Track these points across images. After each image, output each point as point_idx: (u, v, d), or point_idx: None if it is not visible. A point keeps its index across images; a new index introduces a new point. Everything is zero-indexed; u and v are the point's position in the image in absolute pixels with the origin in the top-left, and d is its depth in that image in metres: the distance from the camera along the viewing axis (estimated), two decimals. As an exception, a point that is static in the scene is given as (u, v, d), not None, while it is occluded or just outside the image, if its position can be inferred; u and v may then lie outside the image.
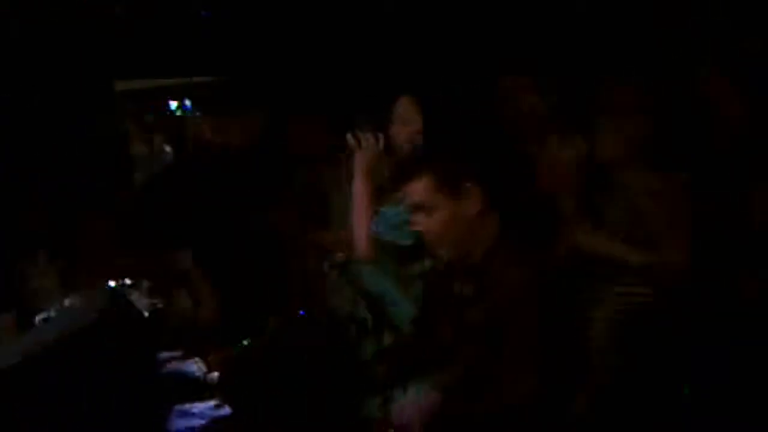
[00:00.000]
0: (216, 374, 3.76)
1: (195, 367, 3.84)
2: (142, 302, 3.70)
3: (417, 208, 2.95)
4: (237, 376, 3.46)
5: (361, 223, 3.70)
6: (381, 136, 3.78)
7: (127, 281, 3.79)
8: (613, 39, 4.99)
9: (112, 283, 3.79)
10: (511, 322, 2.78)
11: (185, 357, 3.87)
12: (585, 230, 4.02)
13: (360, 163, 3.77)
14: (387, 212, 3.66)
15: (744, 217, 3.96)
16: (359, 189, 3.75)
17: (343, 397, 3.41)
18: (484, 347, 2.83)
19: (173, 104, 6.20)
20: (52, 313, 3.54)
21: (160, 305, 3.78)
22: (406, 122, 3.75)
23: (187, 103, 6.11)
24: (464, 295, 2.97)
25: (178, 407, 3.43)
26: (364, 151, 3.77)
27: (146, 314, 3.72)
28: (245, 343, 3.36)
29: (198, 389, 3.64)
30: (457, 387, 2.93)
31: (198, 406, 3.46)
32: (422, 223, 2.95)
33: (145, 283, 3.81)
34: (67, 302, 3.56)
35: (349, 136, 3.82)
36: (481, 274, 2.91)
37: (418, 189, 2.93)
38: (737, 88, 4.22)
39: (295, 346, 3.55)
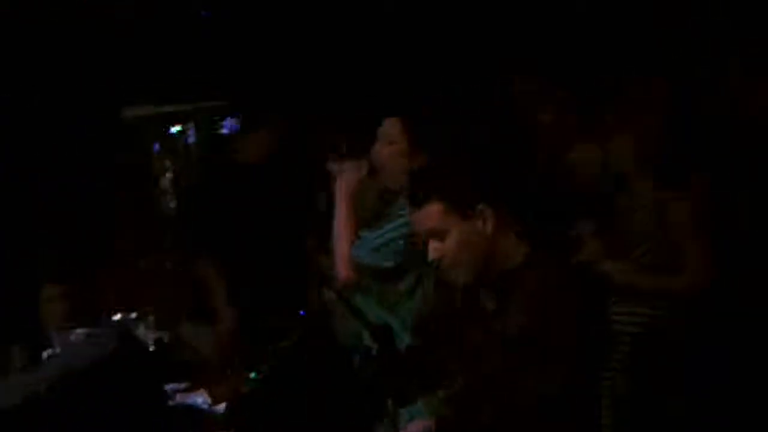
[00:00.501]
0: (222, 406, 3.78)
1: (201, 399, 3.86)
2: (148, 335, 3.71)
3: (431, 234, 2.92)
4: (246, 408, 3.46)
5: (343, 248, 3.74)
6: (364, 161, 3.79)
7: (133, 315, 3.80)
8: (630, 40, 5.00)
9: (117, 317, 3.81)
10: (540, 335, 2.75)
11: (191, 389, 3.89)
12: (598, 254, 4.02)
13: (342, 188, 3.80)
14: (368, 236, 3.70)
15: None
16: (341, 214, 3.79)
17: (352, 424, 3.42)
18: (509, 358, 2.81)
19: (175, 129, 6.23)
20: (58, 349, 3.55)
21: (165, 338, 3.79)
22: (391, 142, 3.72)
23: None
24: (488, 309, 2.95)
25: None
26: (346, 176, 3.80)
27: (152, 347, 3.73)
28: (253, 376, 3.35)
29: (204, 422, 3.65)
30: (466, 402, 2.92)
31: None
32: (438, 248, 2.91)
33: (151, 317, 3.82)
34: (73, 337, 3.55)
35: (330, 162, 3.85)
36: (505, 290, 2.89)
37: (430, 215, 2.90)
38: (764, 86, 4.21)
39: (303, 377, 3.55)
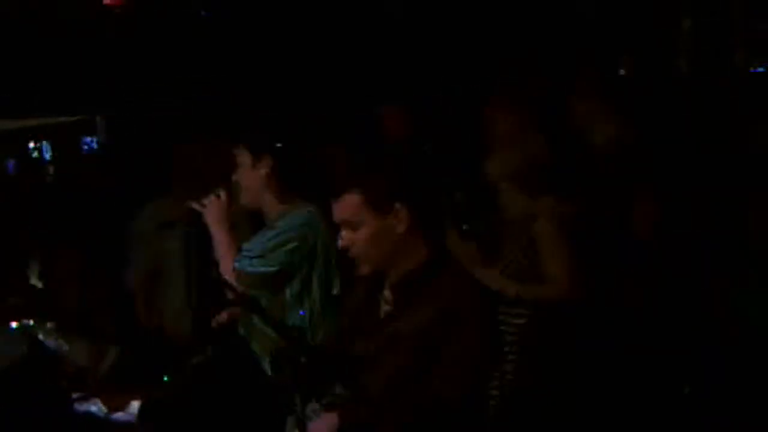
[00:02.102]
0: (120, 414, 3.73)
1: (95, 407, 3.79)
2: (50, 343, 3.64)
3: (344, 223, 3.02)
4: (158, 414, 3.43)
5: (228, 264, 3.89)
6: (222, 191, 3.98)
7: (31, 321, 3.71)
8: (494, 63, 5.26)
9: (14, 324, 3.71)
10: (436, 336, 2.87)
11: (85, 398, 3.82)
12: (473, 258, 4.20)
13: (210, 219, 3.96)
14: (248, 246, 3.86)
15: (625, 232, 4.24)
16: (219, 239, 3.95)
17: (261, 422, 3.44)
18: (405, 358, 2.91)
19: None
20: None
21: (65, 347, 3.72)
22: (240, 164, 3.95)
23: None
24: (386, 311, 3.05)
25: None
26: (210, 210, 3.97)
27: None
28: (166, 380, 3.34)
29: (107, 429, 3.60)
30: (366, 399, 2.99)
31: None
32: (348, 238, 3.01)
33: (49, 324, 3.74)
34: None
35: (192, 204, 4.01)
36: (407, 290, 3.00)
37: (347, 205, 3.00)
38: (610, 109, 4.52)
39: (216, 381, 3.56)
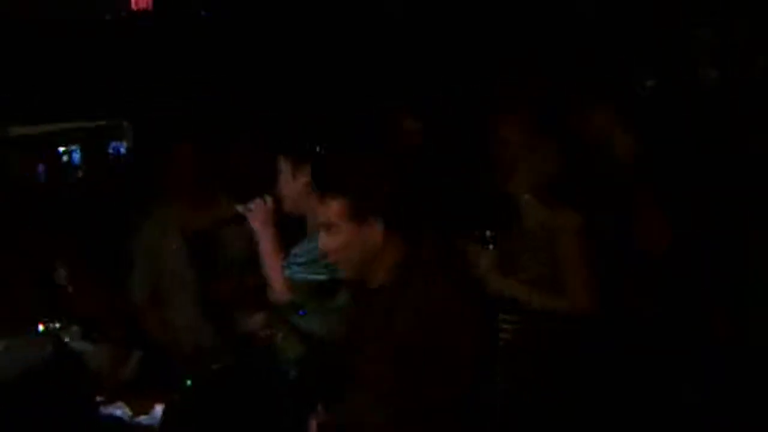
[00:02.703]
0: (144, 418, 3.79)
1: (120, 411, 3.86)
2: (75, 346, 3.71)
3: (325, 226, 3.07)
4: (180, 419, 3.49)
5: (274, 271, 3.88)
6: (269, 197, 3.99)
7: (57, 324, 3.78)
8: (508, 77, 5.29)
9: (41, 327, 3.78)
10: (427, 345, 2.89)
11: (110, 402, 3.88)
12: (491, 267, 4.23)
13: (257, 225, 3.98)
14: (298, 252, 3.84)
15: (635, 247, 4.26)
16: (263, 240, 3.96)
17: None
18: (397, 367, 2.91)
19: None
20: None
21: (90, 350, 3.78)
22: (280, 172, 3.96)
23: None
24: (378, 320, 3.05)
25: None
26: (255, 214, 3.99)
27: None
28: (188, 384, 3.40)
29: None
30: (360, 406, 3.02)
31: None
32: (324, 241, 3.08)
33: (75, 327, 3.81)
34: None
35: (239, 207, 4.04)
36: (387, 300, 3.02)
37: (329, 210, 3.04)
38: (624, 125, 4.54)
39: (238, 387, 3.61)
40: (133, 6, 5.94)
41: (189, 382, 3.46)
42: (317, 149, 4.03)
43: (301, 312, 3.77)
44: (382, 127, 5.23)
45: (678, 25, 5.67)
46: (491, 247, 4.26)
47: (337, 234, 3.03)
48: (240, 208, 4.03)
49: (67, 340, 3.73)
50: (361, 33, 6.08)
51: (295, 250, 3.86)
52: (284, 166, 3.95)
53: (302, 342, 3.45)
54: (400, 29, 6.10)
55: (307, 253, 3.78)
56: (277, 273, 3.86)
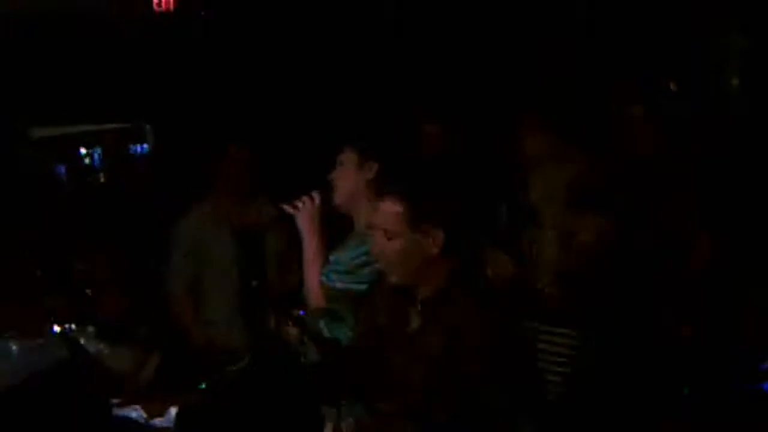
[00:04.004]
0: (159, 420, 3.78)
1: (135, 413, 3.84)
2: (90, 347, 3.70)
3: (379, 230, 3.03)
4: (194, 422, 3.48)
5: (313, 276, 3.68)
6: (316, 194, 3.78)
7: (72, 326, 3.77)
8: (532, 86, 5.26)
9: (57, 328, 3.77)
10: (461, 356, 2.87)
11: (125, 404, 3.87)
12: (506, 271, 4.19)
13: (303, 224, 3.76)
14: (339, 258, 3.63)
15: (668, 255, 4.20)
16: (311, 244, 3.73)
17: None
18: (430, 377, 2.90)
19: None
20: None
21: (106, 350, 3.77)
22: (342, 163, 3.72)
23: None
24: (412, 328, 3.05)
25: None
26: (303, 213, 3.77)
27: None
28: (203, 386, 3.38)
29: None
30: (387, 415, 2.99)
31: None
32: (381, 245, 3.03)
33: (91, 329, 3.80)
34: (14, 347, 3.51)
35: (284, 206, 3.82)
36: (430, 311, 3.00)
37: (388, 212, 3.01)
38: (652, 126, 4.48)
39: (253, 389, 3.59)
40: (155, 7, 5.96)
41: (204, 385, 3.43)
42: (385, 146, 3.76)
43: (301, 312, 3.62)
44: (405, 131, 5.19)
45: (702, 31, 5.61)
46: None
47: (395, 239, 3.00)
48: (287, 207, 3.80)
49: (82, 341, 3.71)
50: (379, 37, 6.06)
51: (334, 255, 3.66)
52: (348, 158, 3.68)
53: (320, 349, 3.36)
54: (417, 34, 6.07)
55: (351, 260, 3.56)
56: (315, 280, 3.66)
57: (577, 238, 4.14)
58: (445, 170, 4.39)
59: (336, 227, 3.78)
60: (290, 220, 3.79)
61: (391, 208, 3.01)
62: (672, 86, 5.11)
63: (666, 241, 4.22)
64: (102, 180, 6.27)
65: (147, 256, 5.21)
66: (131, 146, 6.25)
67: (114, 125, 6.15)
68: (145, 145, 6.22)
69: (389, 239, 3.01)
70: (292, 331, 3.38)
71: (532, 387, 3.14)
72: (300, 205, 3.78)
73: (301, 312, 3.42)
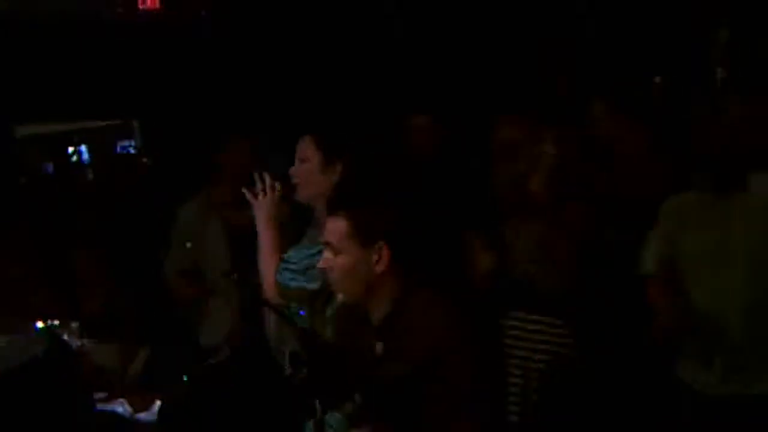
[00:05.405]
0: (144, 414, 3.78)
1: (121, 408, 3.85)
2: (73, 342, 3.70)
3: (328, 245, 3.03)
4: (177, 415, 3.47)
5: (269, 271, 3.69)
6: (277, 184, 3.77)
7: (56, 321, 3.77)
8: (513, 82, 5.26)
9: (40, 324, 3.77)
10: (434, 373, 2.87)
11: (111, 398, 3.88)
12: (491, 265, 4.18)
13: (259, 213, 3.76)
14: (292, 257, 3.64)
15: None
16: (263, 238, 3.74)
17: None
18: (400, 396, 2.91)
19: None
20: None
21: (89, 347, 3.77)
22: (304, 160, 3.70)
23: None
24: (377, 352, 3.04)
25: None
26: (261, 202, 3.76)
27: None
28: (185, 380, 3.38)
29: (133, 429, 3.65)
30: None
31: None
32: (328, 260, 3.03)
33: (74, 324, 3.80)
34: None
35: (244, 190, 3.80)
36: (391, 331, 3.00)
37: (333, 229, 3.01)
38: (632, 124, 4.49)
39: (233, 382, 3.59)
40: (140, 5, 5.96)
41: (186, 379, 3.43)
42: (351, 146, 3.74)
43: (300, 312, 3.65)
44: (393, 126, 5.20)
45: (690, 25, 5.61)
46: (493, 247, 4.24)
47: (341, 255, 3.00)
48: (246, 192, 3.78)
49: (65, 337, 3.71)
50: (368, 35, 6.06)
51: (288, 253, 3.66)
52: (310, 155, 3.66)
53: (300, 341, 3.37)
54: (406, 32, 6.08)
55: (302, 260, 3.59)
56: (271, 277, 3.66)
57: (560, 224, 4.13)
58: (419, 172, 4.35)
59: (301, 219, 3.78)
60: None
61: (337, 225, 3.01)
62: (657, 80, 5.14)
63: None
64: (90, 177, 6.26)
65: (133, 253, 5.22)
66: (119, 143, 6.27)
67: (101, 122, 6.15)
68: (133, 142, 6.23)
69: (336, 255, 3.01)
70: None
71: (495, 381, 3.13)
72: (260, 195, 3.75)
73: (300, 312, 3.44)
